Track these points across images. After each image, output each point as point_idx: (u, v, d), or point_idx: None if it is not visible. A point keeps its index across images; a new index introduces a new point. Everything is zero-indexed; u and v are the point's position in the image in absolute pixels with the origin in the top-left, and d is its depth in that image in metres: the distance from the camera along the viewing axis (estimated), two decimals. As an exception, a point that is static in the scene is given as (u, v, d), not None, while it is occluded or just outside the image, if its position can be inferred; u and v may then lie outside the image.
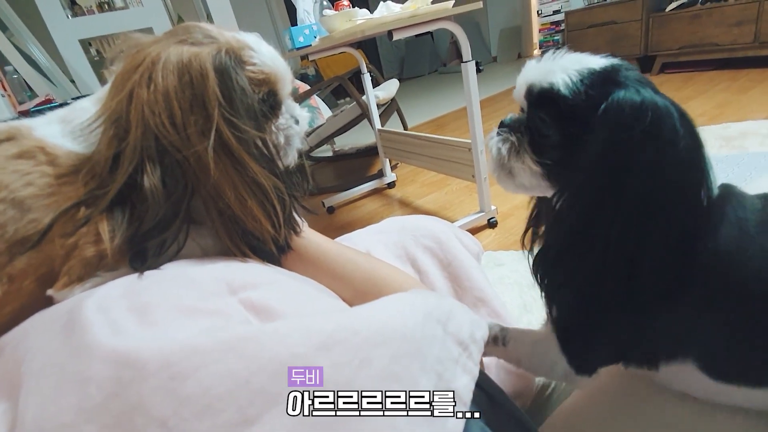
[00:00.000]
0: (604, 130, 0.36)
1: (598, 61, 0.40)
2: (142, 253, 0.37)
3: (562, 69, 0.39)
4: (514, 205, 1.53)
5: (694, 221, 0.36)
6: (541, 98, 0.41)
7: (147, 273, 0.35)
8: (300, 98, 2.06)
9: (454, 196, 1.78)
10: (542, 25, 3.83)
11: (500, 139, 0.46)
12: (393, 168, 2.16)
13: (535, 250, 0.51)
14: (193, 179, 0.37)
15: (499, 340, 0.52)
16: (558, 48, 0.43)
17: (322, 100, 2.83)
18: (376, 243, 0.63)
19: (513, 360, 0.52)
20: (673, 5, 2.87)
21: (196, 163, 0.37)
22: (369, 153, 2.67)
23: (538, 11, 3.89)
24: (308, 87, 2.21)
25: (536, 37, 4.43)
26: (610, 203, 0.36)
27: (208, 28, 0.41)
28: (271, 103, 0.44)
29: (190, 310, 0.30)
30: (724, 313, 0.38)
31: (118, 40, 0.41)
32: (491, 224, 1.41)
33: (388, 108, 2.31)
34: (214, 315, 0.30)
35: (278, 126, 0.45)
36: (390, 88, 2.31)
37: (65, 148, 0.38)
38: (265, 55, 0.42)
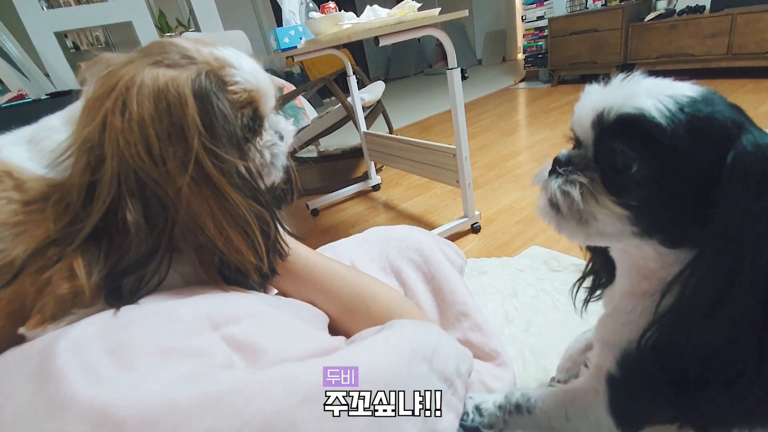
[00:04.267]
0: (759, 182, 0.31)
1: (689, 87, 0.35)
2: (117, 290, 0.35)
3: (648, 93, 0.34)
4: (498, 210, 1.55)
5: None
6: (620, 127, 0.35)
7: (124, 309, 0.33)
8: (285, 98, 2.03)
9: (438, 200, 1.80)
10: (526, 30, 3.87)
11: (565, 180, 0.38)
12: (378, 170, 2.16)
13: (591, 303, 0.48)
14: (173, 212, 0.35)
15: (523, 409, 0.48)
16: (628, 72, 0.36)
17: (308, 100, 2.80)
18: (360, 254, 0.63)
19: (543, 428, 0.48)
20: (652, 15, 2.96)
21: (175, 196, 0.34)
22: (354, 154, 2.66)
23: (522, 16, 3.93)
24: (293, 87, 2.18)
25: (520, 42, 4.49)
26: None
27: (185, 45, 0.38)
28: (254, 126, 0.42)
29: (170, 351, 0.29)
30: None
31: (85, 63, 0.38)
32: (474, 229, 1.43)
33: (374, 110, 2.31)
34: (195, 356, 0.29)
35: (263, 144, 0.43)
36: (376, 90, 2.31)
37: (33, 172, 0.35)
38: (246, 71, 0.40)
